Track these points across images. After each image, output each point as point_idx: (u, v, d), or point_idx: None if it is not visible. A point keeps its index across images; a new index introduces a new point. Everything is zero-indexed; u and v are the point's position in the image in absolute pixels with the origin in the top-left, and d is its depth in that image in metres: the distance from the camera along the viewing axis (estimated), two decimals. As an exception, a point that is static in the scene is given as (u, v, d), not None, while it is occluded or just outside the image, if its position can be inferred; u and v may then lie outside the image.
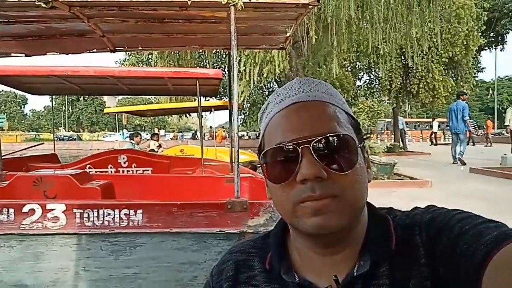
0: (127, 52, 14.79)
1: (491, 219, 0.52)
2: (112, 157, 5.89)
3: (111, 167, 5.80)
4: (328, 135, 0.55)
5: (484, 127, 25.04)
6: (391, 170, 7.36)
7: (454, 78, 15.85)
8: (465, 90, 17.35)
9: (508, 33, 23.28)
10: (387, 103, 18.48)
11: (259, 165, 0.61)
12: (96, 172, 5.50)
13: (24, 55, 3.66)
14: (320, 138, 0.54)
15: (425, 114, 38.39)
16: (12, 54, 3.62)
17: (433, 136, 23.63)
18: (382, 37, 10.52)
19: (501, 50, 24.64)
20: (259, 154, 0.62)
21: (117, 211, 2.61)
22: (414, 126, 39.68)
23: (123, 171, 5.83)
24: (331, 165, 0.54)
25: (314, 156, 0.53)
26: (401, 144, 16.57)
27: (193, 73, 5.22)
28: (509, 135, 11.18)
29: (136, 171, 5.88)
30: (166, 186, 4.56)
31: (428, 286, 0.53)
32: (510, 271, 0.42)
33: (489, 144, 19.62)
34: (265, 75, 11.49)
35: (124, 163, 5.85)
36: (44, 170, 4.48)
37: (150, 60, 15.15)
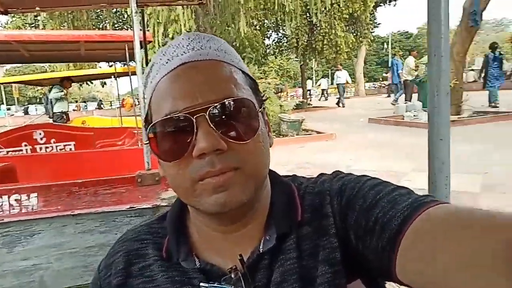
0: (11, 14, 12.83)
1: (401, 186, 0.51)
2: (26, 134, 5.22)
3: (26, 145, 5.14)
4: (225, 100, 0.48)
5: (380, 79, 27.37)
6: (299, 126, 7.77)
7: (354, 34, 16.89)
8: (364, 45, 18.65)
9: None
10: (295, 60, 19.10)
11: (146, 141, 0.53)
12: (8, 152, 4.83)
13: None
14: (216, 104, 0.48)
15: (330, 70, 40.76)
16: None
17: (324, 92, 25.25)
18: (287, -7, 10.63)
19: (394, 6, 26.80)
20: (146, 127, 0.53)
21: (5, 197, 2.34)
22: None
23: (40, 149, 5.19)
24: (231, 134, 0.49)
25: (211, 125, 0.47)
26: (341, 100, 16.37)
27: (121, 36, 4.72)
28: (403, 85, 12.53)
29: (57, 147, 5.27)
30: (88, 162, 4.17)
31: (337, 258, 0.51)
32: (425, 239, 0.41)
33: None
34: (170, 36, 10.97)
35: (41, 139, 5.21)
36: None
37: (37, 22, 13.36)
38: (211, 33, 12.60)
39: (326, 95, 25.05)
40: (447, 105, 0.89)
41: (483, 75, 10.72)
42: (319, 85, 25.60)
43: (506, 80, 13.53)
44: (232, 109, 0.49)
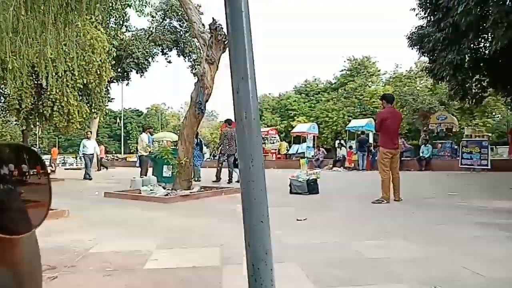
0: None
1: None
2: None
3: None
4: None
5: (113, 152, 27.45)
6: (22, 202, 6.42)
7: (89, 105, 16.36)
8: (97, 117, 18.25)
9: (131, 71, 27.05)
10: (15, 124, 16.36)
11: None
12: None
13: None
14: None
15: (57, 138, 37.37)
16: None
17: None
18: (11, 49, 9.23)
19: (126, 85, 28.32)
20: None
21: None
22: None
23: None
24: None
25: None
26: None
27: None
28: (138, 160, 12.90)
29: None
30: None
31: None
32: None
33: (105, 168, 21.71)
34: None
35: None
36: None
37: None
38: None
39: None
40: (264, 179, 0.80)
41: None
42: None
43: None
44: None
